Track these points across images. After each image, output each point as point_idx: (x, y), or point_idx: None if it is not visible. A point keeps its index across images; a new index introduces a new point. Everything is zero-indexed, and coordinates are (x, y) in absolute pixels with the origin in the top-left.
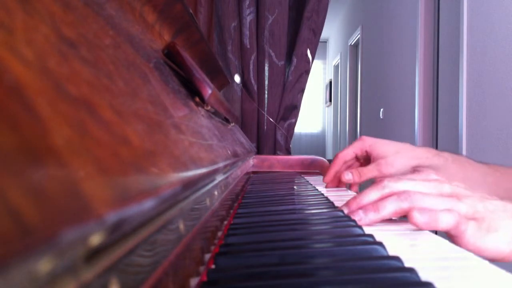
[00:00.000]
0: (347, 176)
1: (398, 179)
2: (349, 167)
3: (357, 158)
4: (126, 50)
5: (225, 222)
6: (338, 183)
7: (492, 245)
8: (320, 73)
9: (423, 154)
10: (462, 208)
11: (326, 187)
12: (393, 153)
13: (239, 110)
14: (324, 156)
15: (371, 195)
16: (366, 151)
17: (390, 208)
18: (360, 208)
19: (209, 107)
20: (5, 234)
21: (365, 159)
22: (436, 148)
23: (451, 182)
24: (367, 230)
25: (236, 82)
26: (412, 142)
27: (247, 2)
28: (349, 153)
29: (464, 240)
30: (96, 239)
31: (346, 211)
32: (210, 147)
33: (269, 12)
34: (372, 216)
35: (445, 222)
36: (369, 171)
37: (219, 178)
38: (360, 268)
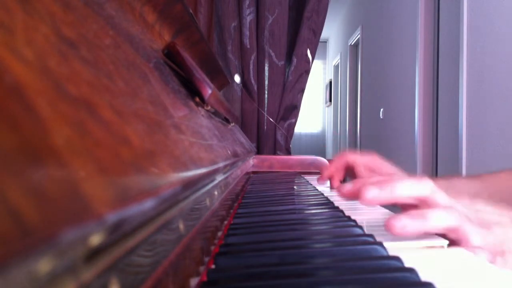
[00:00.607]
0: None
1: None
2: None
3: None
4: (126, 50)
5: (225, 222)
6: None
7: None
8: (320, 73)
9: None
10: (490, 241)
11: (324, 182)
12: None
13: (239, 110)
14: (324, 156)
15: (406, 188)
16: (370, 167)
17: (439, 220)
18: (386, 201)
19: (209, 107)
20: (5, 234)
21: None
22: (436, 148)
23: (475, 204)
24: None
25: (236, 82)
26: (412, 142)
27: (247, 2)
28: (356, 160)
29: None
30: (96, 239)
31: (368, 195)
32: (210, 147)
33: (269, 12)
34: (420, 224)
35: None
36: (412, 190)
37: (219, 178)
38: (360, 268)
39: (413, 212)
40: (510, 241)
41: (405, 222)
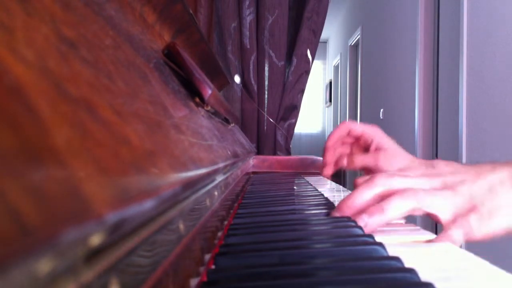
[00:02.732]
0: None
1: (388, 175)
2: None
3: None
4: (126, 51)
5: (225, 222)
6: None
7: (498, 226)
8: (320, 73)
9: (421, 161)
10: (459, 202)
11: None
12: (395, 148)
13: (239, 110)
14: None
15: (364, 194)
16: (364, 137)
17: (396, 208)
18: (357, 211)
19: (209, 107)
20: (5, 234)
21: (358, 146)
22: (436, 149)
23: (437, 169)
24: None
25: (236, 82)
26: (412, 142)
27: (247, 2)
28: (340, 134)
29: (473, 236)
30: (96, 240)
31: (337, 214)
32: (210, 148)
33: (269, 12)
34: (378, 219)
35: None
36: (364, 159)
37: (219, 178)
38: (360, 268)
39: (371, 208)
40: (478, 194)
41: (366, 221)
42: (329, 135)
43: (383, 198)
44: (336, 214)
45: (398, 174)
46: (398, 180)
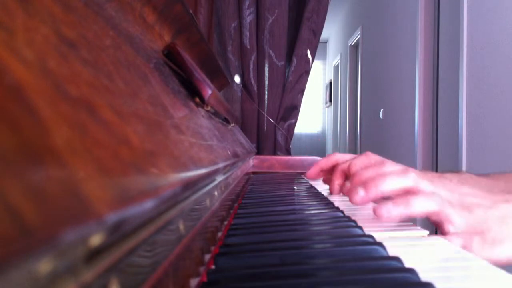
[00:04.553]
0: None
1: (421, 175)
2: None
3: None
4: (126, 51)
5: (225, 223)
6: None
7: (498, 255)
8: (320, 74)
9: (427, 176)
10: (470, 222)
11: (307, 176)
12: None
13: (239, 111)
14: (324, 156)
15: (394, 181)
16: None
17: (421, 206)
18: (380, 194)
19: (209, 108)
20: (5, 235)
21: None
22: (436, 149)
23: (459, 187)
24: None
25: (236, 83)
26: (412, 142)
27: (247, 3)
28: (345, 158)
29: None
30: (96, 240)
31: (362, 193)
32: (210, 148)
33: (269, 12)
34: (402, 210)
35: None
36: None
37: (219, 178)
38: (360, 268)
39: (398, 199)
40: (489, 221)
41: (389, 208)
42: (315, 166)
43: (406, 193)
44: (360, 190)
45: (428, 179)
46: (426, 183)
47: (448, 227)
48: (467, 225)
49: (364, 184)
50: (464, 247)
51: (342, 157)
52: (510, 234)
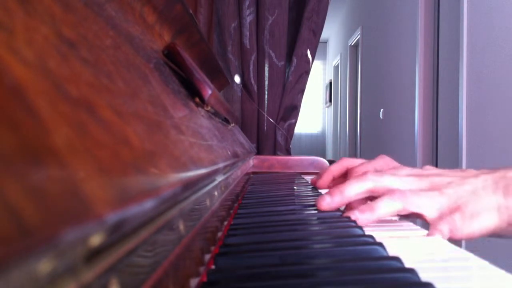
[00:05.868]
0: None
1: (379, 173)
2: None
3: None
4: (126, 51)
5: (225, 223)
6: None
7: (478, 227)
8: (320, 74)
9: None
10: (444, 202)
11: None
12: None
13: (239, 111)
14: (324, 156)
15: (355, 186)
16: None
17: (385, 208)
18: (346, 200)
19: (209, 108)
20: (5, 234)
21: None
22: (436, 148)
23: (425, 171)
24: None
25: (236, 83)
26: (412, 142)
27: (247, 3)
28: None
29: (456, 234)
30: (96, 240)
31: (328, 199)
32: (210, 148)
33: (269, 12)
34: (369, 216)
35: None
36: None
37: (219, 178)
38: (360, 268)
39: (363, 206)
40: (462, 196)
41: (357, 216)
42: (326, 172)
43: (372, 193)
44: (327, 198)
45: (388, 172)
46: (387, 178)
47: (424, 216)
48: (441, 206)
49: (330, 190)
50: (451, 230)
51: (352, 162)
52: (484, 205)
